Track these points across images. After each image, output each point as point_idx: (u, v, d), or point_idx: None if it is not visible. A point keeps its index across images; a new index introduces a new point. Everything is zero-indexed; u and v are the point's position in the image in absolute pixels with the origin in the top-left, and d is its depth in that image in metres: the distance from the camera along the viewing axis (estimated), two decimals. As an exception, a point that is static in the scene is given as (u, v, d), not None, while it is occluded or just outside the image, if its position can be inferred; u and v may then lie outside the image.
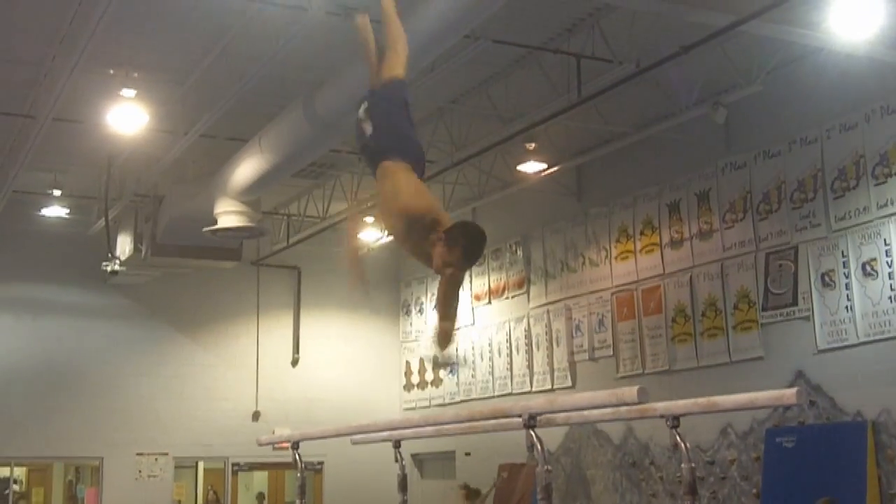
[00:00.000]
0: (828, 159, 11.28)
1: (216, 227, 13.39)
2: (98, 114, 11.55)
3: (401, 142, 5.11)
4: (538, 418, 3.49)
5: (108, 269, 15.01)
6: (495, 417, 4.28)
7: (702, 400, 3.53)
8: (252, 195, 13.12)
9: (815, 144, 11.43)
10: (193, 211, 13.80)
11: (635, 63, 10.45)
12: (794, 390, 3.29)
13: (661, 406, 3.44)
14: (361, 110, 5.30)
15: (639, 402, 3.01)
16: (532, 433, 3.48)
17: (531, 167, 13.65)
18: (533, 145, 13.15)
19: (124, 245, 15.66)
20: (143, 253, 15.13)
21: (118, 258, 15.27)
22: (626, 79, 10.62)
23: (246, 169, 12.39)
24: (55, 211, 16.00)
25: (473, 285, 17.13)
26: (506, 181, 14.54)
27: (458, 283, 4.64)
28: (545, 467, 3.38)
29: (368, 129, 5.20)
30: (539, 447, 3.41)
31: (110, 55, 10.62)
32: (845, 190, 11.06)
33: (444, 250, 4.43)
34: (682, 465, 3.30)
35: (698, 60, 10.55)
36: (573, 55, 10.75)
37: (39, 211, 16.08)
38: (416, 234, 4.52)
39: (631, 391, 3.00)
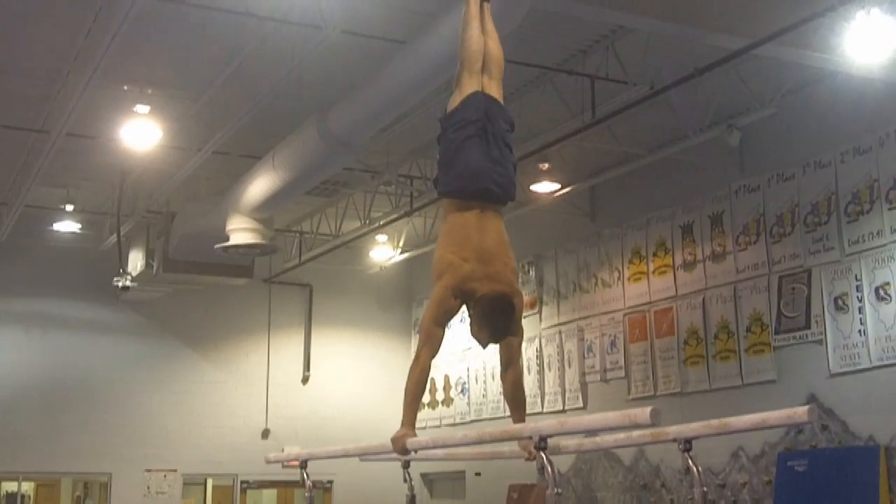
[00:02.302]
0: (841, 183, 11.23)
1: (228, 243, 13.41)
2: (112, 129, 11.59)
3: (460, 174, 5.05)
4: (548, 441, 3.46)
5: (120, 284, 15.03)
6: (504, 440, 4.24)
7: (714, 421, 3.48)
8: (265, 212, 13.13)
9: (829, 168, 11.39)
10: (206, 227, 13.82)
11: (649, 85, 10.45)
12: (805, 408, 3.24)
13: (674, 430, 3.39)
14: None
15: (651, 424, 2.97)
16: (543, 455, 3.44)
17: (544, 187, 13.64)
18: (546, 165, 13.14)
19: (136, 261, 15.68)
20: (155, 269, 15.15)
21: (129, 274, 15.29)
22: (640, 100, 10.61)
23: (259, 186, 12.40)
24: (67, 226, 16.02)
25: (485, 305, 17.08)
26: (519, 201, 14.45)
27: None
28: (556, 490, 3.33)
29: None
30: (550, 470, 3.37)
31: (125, 71, 10.66)
32: (859, 214, 11.01)
33: (475, 328, 4.77)
34: (695, 490, 3.26)
35: (713, 83, 10.54)
36: (587, 76, 10.75)
37: (51, 226, 16.11)
38: (459, 300, 4.69)
39: (644, 412, 2.96)
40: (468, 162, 5.02)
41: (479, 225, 4.92)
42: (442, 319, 4.80)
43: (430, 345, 4.79)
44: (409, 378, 4.75)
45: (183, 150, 12.30)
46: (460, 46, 5.32)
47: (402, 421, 4.68)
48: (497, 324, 4.69)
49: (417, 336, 19.03)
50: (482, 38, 5.34)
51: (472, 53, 5.25)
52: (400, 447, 4.61)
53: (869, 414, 10.62)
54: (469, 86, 5.22)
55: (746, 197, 12.43)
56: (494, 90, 5.31)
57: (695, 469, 3.32)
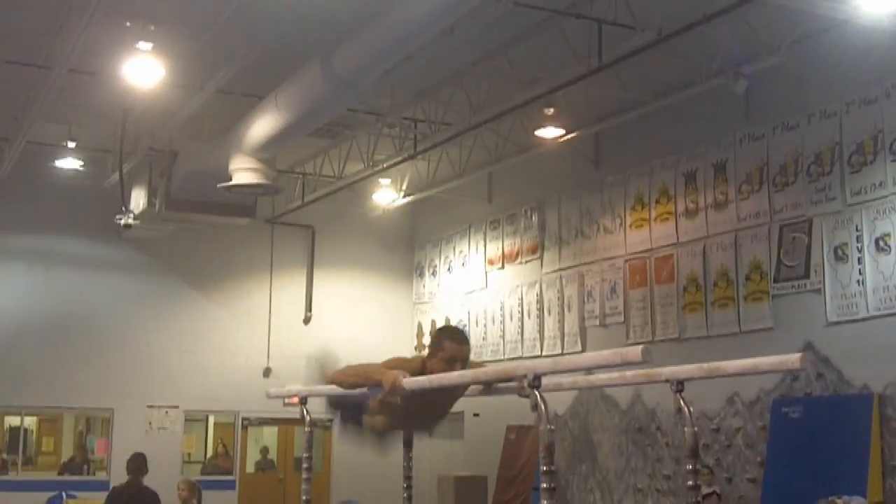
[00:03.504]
0: (846, 133, 11.21)
1: (231, 183, 13.41)
2: (114, 66, 11.51)
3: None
4: (542, 381, 3.50)
5: (122, 222, 15.04)
6: (500, 379, 4.28)
7: (706, 365, 3.53)
8: (267, 153, 13.11)
9: (835, 118, 11.36)
10: (208, 167, 13.81)
11: (657, 30, 10.37)
12: (798, 355, 3.28)
13: (667, 371, 3.43)
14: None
15: (643, 362, 3.01)
16: (536, 393, 3.49)
17: (549, 133, 13.60)
18: (552, 111, 13.10)
19: (138, 199, 15.69)
20: (157, 207, 15.16)
21: (132, 212, 15.29)
22: (647, 46, 10.54)
23: (262, 126, 12.37)
24: (69, 163, 16.02)
25: (488, 250, 17.16)
26: (523, 146, 14.49)
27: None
28: (548, 426, 3.38)
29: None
30: (543, 407, 3.41)
31: (127, 7, 10.58)
32: (862, 165, 11.00)
33: (439, 357, 4.71)
34: (685, 429, 3.31)
35: (720, 30, 10.46)
36: (595, 20, 10.67)
37: (54, 163, 16.11)
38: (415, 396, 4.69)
39: (635, 350, 3.00)
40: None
41: None
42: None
43: (351, 385, 4.97)
44: (347, 372, 4.98)
45: (186, 88, 12.26)
46: None
47: (381, 373, 4.73)
48: (456, 335, 4.94)
49: (420, 278, 19.18)
50: None
51: None
52: (398, 388, 4.63)
53: (864, 363, 10.71)
54: None
55: (750, 146, 12.41)
56: None
57: (686, 409, 3.37)
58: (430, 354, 4.82)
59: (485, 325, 17.00)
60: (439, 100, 13.48)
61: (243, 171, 13.25)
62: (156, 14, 10.96)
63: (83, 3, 9.90)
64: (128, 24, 11.02)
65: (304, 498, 5.97)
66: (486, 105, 12.92)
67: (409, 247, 19.56)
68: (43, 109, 12.51)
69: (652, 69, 11.97)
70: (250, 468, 18.92)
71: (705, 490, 10.80)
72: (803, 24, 10.57)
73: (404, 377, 4.56)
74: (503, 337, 16.54)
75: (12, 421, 17.68)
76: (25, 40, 11.82)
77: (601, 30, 10.68)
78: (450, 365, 4.69)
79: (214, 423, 18.94)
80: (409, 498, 5.94)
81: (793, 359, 3.25)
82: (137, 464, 9.34)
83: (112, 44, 11.17)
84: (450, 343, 4.81)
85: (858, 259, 10.90)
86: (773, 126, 12.13)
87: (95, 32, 10.26)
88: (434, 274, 18.77)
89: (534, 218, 16.18)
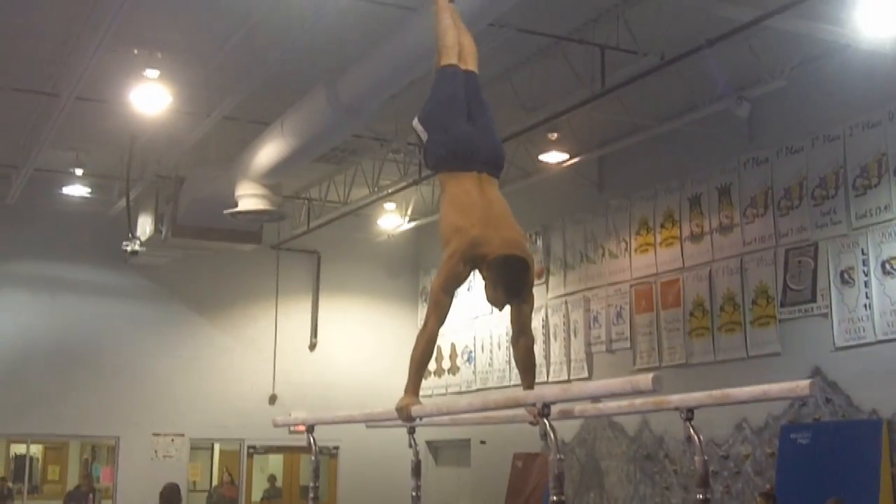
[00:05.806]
0: (850, 156, 11.22)
1: (237, 209, 13.45)
2: (121, 93, 11.59)
3: (454, 144, 4.98)
4: (552, 408, 3.50)
5: (129, 249, 15.06)
6: (509, 407, 4.27)
7: (716, 392, 3.52)
8: (273, 179, 13.15)
9: (838, 141, 11.37)
10: (214, 193, 13.85)
11: (660, 55, 10.41)
12: (807, 382, 3.27)
13: (676, 398, 3.42)
14: (416, 119, 5.18)
15: (653, 391, 3.01)
16: (545, 422, 3.48)
17: (553, 157, 13.63)
18: (555, 135, 13.12)
19: (145, 225, 15.73)
20: (164, 234, 15.20)
21: (138, 238, 15.33)
22: (650, 71, 10.58)
23: (268, 152, 12.42)
24: (77, 190, 16.06)
25: (492, 274, 17.14)
26: (527, 170, 14.51)
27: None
28: (558, 456, 3.37)
29: (423, 135, 5.11)
30: (552, 436, 3.41)
31: (135, 35, 10.65)
32: (867, 188, 11.00)
33: (490, 290, 4.60)
34: (696, 458, 3.29)
35: (723, 54, 10.50)
36: (598, 46, 10.72)
37: (61, 189, 16.15)
38: (469, 266, 4.62)
39: (645, 378, 3.00)
40: (458, 134, 5.03)
41: (481, 192, 4.89)
42: (449, 286, 4.72)
43: (437, 313, 4.72)
44: (415, 346, 4.71)
45: (192, 114, 12.32)
46: (436, 40, 5.39)
47: (406, 389, 4.65)
48: (511, 283, 4.61)
49: (425, 304, 19.14)
50: (456, 29, 5.41)
51: (450, 42, 5.33)
52: (405, 416, 4.61)
53: (872, 388, 10.67)
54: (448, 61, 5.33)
55: (755, 169, 12.42)
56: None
57: (696, 438, 3.35)
58: (487, 279, 4.69)
59: (491, 351, 16.97)
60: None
61: (249, 198, 13.29)
62: (163, 42, 11.03)
63: (92, 31, 9.97)
64: (135, 51, 11.10)
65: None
66: (490, 130, 12.92)
67: (414, 272, 19.56)
68: (51, 136, 12.57)
69: (655, 94, 12.01)
70: (255, 496, 18.86)
71: None
72: (805, 48, 10.61)
73: (417, 405, 4.55)
74: (509, 363, 16.48)
75: (18, 449, 17.65)
76: (34, 68, 11.89)
77: (604, 55, 10.73)
78: (492, 302, 4.64)
79: (220, 451, 18.90)
80: (417, 526, 5.92)
81: (802, 385, 3.24)
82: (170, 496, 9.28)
83: (120, 71, 11.24)
84: (505, 296, 4.66)
85: (865, 283, 10.88)
86: (776, 150, 12.14)
87: (103, 60, 10.32)
88: (439, 299, 18.75)
89: (538, 242, 16.18)
